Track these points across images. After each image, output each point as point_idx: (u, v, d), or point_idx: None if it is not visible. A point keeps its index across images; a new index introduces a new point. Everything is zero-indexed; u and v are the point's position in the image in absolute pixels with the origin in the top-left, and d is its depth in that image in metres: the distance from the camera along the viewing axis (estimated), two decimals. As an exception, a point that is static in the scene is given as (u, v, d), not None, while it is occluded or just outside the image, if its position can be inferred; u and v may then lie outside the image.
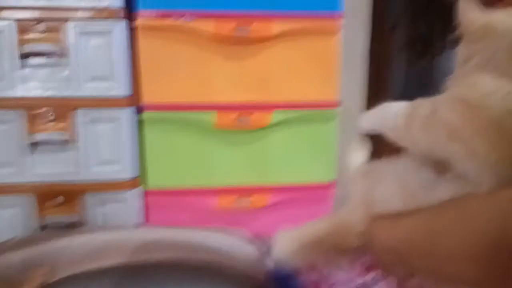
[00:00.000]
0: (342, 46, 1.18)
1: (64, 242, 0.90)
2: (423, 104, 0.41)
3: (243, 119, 1.13)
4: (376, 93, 1.40)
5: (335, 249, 0.50)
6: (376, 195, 0.48)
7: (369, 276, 0.87)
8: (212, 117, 1.13)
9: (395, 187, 0.45)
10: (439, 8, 0.58)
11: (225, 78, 1.13)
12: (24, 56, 1.05)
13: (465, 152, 0.34)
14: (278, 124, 1.16)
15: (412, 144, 0.42)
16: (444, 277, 0.38)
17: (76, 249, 0.88)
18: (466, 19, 0.36)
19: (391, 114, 0.44)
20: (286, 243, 0.54)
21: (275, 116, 1.15)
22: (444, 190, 0.39)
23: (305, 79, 1.18)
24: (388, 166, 0.48)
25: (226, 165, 1.17)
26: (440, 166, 0.39)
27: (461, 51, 0.38)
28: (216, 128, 1.13)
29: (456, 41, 0.40)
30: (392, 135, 0.44)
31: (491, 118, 0.32)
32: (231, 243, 0.99)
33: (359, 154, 0.57)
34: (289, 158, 1.22)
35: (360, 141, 0.59)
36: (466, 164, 0.35)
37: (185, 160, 1.16)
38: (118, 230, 0.97)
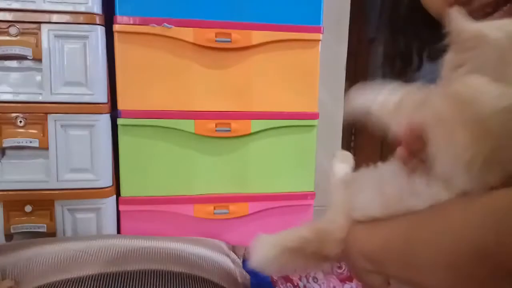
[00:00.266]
0: (321, 58, 1.19)
1: (33, 252, 0.86)
2: (415, 92, 0.42)
3: (222, 127, 1.12)
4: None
5: (314, 255, 0.50)
6: (356, 203, 0.48)
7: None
8: (191, 125, 1.11)
9: (374, 193, 0.45)
10: (418, 23, 0.59)
11: (204, 87, 1.12)
12: (0, 58, 1.02)
13: (445, 140, 0.35)
14: (257, 133, 1.16)
15: (398, 128, 0.42)
16: (421, 286, 0.38)
17: (45, 259, 0.84)
18: (457, 27, 0.37)
19: (382, 96, 0.45)
20: (265, 248, 0.53)
21: (254, 126, 1.15)
22: (423, 196, 0.38)
23: (285, 90, 1.18)
24: (369, 173, 0.48)
25: (205, 173, 1.15)
26: (420, 164, 0.39)
27: (450, 60, 0.39)
28: (197, 135, 1.12)
29: (438, 53, 0.41)
30: (379, 117, 0.44)
31: (479, 114, 0.32)
32: (207, 253, 0.97)
33: (342, 165, 0.57)
34: (269, 167, 1.22)
35: (343, 153, 0.59)
36: (443, 153, 0.35)
37: (163, 169, 1.13)
38: (90, 240, 0.93)
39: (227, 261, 0.98)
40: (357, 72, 1.56)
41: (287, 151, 1.22)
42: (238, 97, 1.15)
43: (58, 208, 1.07)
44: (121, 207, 1.13)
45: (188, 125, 1.12)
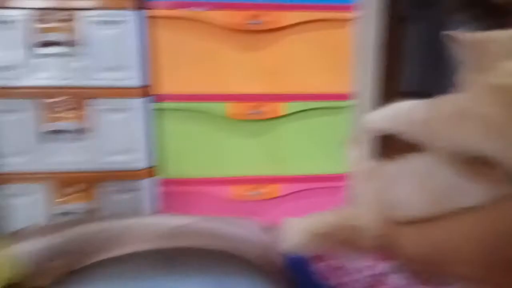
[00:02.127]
0: (356, 37, 1.17)
1: (81, 230, 0.91)
2: (447, 100, 0.40)
3: (256, 109, 1.14)
4: (390, 85, 1.39)
5: (345, 244, 0.49)
6: (391, 197, 0.46)
7: (382, 266, 0.87)
8: (225, 107, 1.13)
9: (415, 189, 0.43)
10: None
11: (236, 69, 1.13)
12: (40, 45, 1.05)
13: (507, 148, 0.33)
14: (291, 115, 1.16)
15: (435, 141, 0.40)
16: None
17: (94, 237, 0.89)
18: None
19: (405, 111, 0.43)
20: (296, 231, 0.53)
21: (287, 107, 1.15)
22: (477, 193, 0.37)
23: (318, 70, 1.17)
24: (402, 166, 0.46)
25: (240, 155, 1.18)
26: (474, 165, 0.37)
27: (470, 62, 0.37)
28: (230, 118, 1.14)
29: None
30: (408, 131, 0.42)
31: None
32: (246, 232, 0.99)
33: (358, 152, 0.56)
34: (302, 149, 1.22)
35: (359, 138, 0.58)
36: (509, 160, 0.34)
37: (199, 150, 1.16)
38: (137, 218, 0.98)
39: (266, 239, 1.00)
40: (391, 51, 1.51)
41: (319, 133, 1.22)
42: (270, 79, 1.15)
43: (98, 189, 1.13)
44: (159, 189, 1.17)
45: (220, 108, 1.13)
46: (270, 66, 1.15)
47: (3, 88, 1.06)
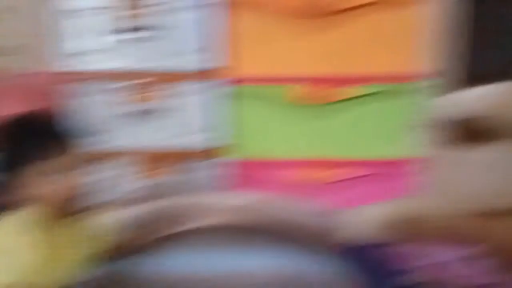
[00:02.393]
0: (430, 18, 1.11)
1: (165, 203, 1.00)
2: None
3: (323, 92, 1.14)
4: (466, 67, 1.31)
5: (417, 232, 0.49)
6: (471, 188, 0.44)
7: (450, 253, 0.85)
8: (295, 89, 1.15)
9: (496, 179, 0.42)
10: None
11: (309, 51, 1.14)
12: (127, 30, 1.15)
13: None
14: (357, 97, 1.15)
15: None
16: None
17: (176, 210, 0.98)
18: None
19: (479, 95, 0.41)
20: (367, 219, 0.54)
21: (359, 90, 1.14)
22: None
23: (386, 52, 1.14)
24: (478, 155, 0.44)
25: (308, 138, 1.20)
26: None
27: None
28: (296, 101, 1.16)
29: None
30: (484, 116, 0.41)
31: None
32: (310, 213, 1.02)
33: (428, 137, 0.54)
34: (368, 132, 1.21)
35: (430, 123, 0.56)
36: None
37: (268, 133, 1.20)
38: (212, 194, 1.06)
39: (333, 221, 1.02)
40: (469, 32, 1.41)
41: (386, 116, 1.19)
42: (343, 60, 1.14)
43: (177, 167, 1.22)
44: (231, 169, 1.23)
45: (287, 91, 1.16)
46: (342, 47, 1.14)
47: (95, 71, 1.18)
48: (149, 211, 1.00)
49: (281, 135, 1.21)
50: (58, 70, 1.16)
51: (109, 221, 0.89)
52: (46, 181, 0.66)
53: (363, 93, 1.15)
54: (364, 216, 0.56)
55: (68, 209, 0.70)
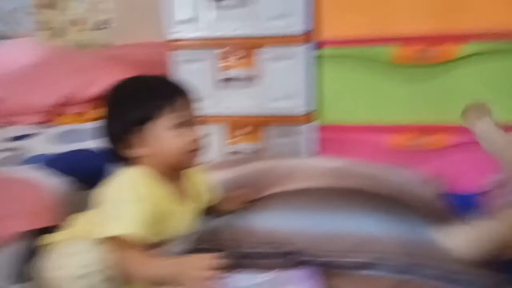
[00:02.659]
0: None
1: (257, 166, 1.02)
2: None
3: (427, 52, 1.06)
4: None
5: None
6: None
7: None
8: (392, 50, 1.08)
9: None
10: None
11: (408, 6, 1.06)
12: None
13: None
14: (466, 57, 1.05)
15: None
16: None
17: (270, 173, 0.99)
18: None
19: None
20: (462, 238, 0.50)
21: (464, 48, 1.04)
22: None
23: (498, 4, 1.02)
24: None
25: (404, 101, 1.13)
26: None
27: None
28: (396, 62, 1.09)
29: None
30: None
31: None
32: (410, 180, 0.98)
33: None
34: (474, 97, 1.11)
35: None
36: None
37: (361, 96, 1.15)
38: (302, 158, 1.05)
39: (432, 189, 0.97)
40: None
41: (496, 79, 1.07)
42: (447, 15, 1.04)
43: (266, 132, 1.23)
44: (319, 134, 1.21)
45: (384, 52, 1.08)
46: (441, 1, 1.04)
47: (186, 39, 1.21)
48: (247, 173, 1.02)
49: (375, 99, 1.15)
50: (162, 39, 1.21)
51: (213, 181, 0.93)
52: (166, 135, 0.70)
53: (470, 52, 1.04)
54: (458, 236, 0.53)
55: (185, 164, 0.73)
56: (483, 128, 0.79)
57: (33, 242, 0.75)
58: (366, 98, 1.16)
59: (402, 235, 0.79)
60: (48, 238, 0.72)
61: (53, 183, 0.87)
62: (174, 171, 0.74)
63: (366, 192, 0.89)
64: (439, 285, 0.74)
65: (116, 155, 0.73)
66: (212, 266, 0.60)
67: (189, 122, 0.72)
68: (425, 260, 0.77)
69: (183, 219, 0.76)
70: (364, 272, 0.80)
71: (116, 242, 0.66)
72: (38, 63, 1.60)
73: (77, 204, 0.86)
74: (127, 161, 0.73)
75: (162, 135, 0.70)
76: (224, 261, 0.62)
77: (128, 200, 0.67)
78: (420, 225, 0.81)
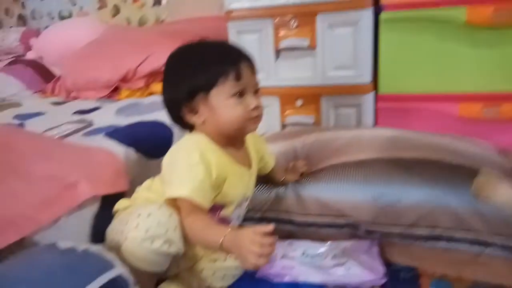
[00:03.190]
0: None
1: (315, 137, 1.00)
2: None
3: (502, 12, 0.96)
4: None
5: None
6: None
7: None
8: (462, 12, 0.99)
9: None
10: None
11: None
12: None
13: None
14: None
15: None
16: None
17: (327, 144, 0.97)
18: None
19: None
20: None
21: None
22: None
23: None
24: None
25: (474, 68, 1.04)
26: None
27: None
28: (466, 25, 1.00)
29: None
30: None
31: None
32: (480, 151, 0.91)
33: None
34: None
35: None
36: None
37: (426, 64, 1.08)
38: (361, 129, 1.01)
39: (504, 161, 0.90)
40: None
41: None
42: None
43: (323, 103, 1.19)
44: (379, 104, 1.16)
45: (458, 13, 1.00)
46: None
47: (243, 9, 1.19)
48: (305, 144, 1.00)
49: (445, 66, 1.07)
50: (219, 12, 1.20)
51: (272, 151, 0.93)
52: (229, 102, 0.69)
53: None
54: None
55: (246, 130, 0.73)
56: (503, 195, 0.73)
57: (104, 207, 0.80)
58: (431, 65, 1.08)
59: (468, 207, 0.75)
60: (120, 203, 0.75)
61: (121, 152, 0.91)
62: (236, 137, 0.74)
63: (431, 162, 0.84)
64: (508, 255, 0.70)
65: (179, 121, 0.74)
66: (267, 243, 0.57)
67: (252, 89, 0.72)
68: (496, 232, 0.73)
69: (245, 182, 0.76)
70: (430, 243, 0.77)
71: (178, 204, 0.67)
72: (100, 40, 1.66)
73: (143, 173, 0.89)
74: (190, 127, 0.74)
75: (226, 101, 0.69)
76: (276, 238, 0.59)
77: (191, 163, 0.68)
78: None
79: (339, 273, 0.75)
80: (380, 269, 0.74)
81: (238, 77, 0.69)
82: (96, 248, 0.63)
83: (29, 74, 1.79)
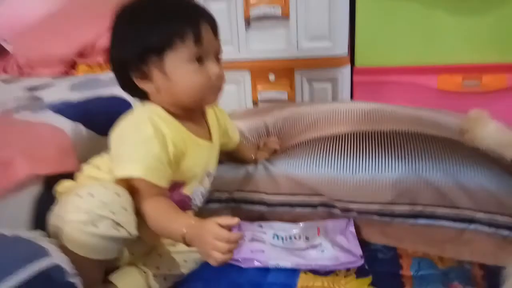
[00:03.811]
0: None
1: (288, 112, 0.92)
2: None
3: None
4: None
5: None
6: None
7: None
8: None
9: None
10: None
11: None
12: None
13: None
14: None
15: None
16: None
17: (300, 119, 0.89)
18: None
19: None
20: None
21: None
22: None
23: None
24: None
25: (453, 38, 0.99)
26: None
27: None
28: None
29: None
30: None
31: None
32: (456, 122, 0.86)
33: None
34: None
35: None
36: None
37: (402, 35, 1.03)
38: (336, 103, 0.94)
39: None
40: None
41: None
42: None
43: (297, 77, 1.12)
44: (355, 78, 1.10)
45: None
46: None
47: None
48: (276, 120, 0.93)
49: (422, 37, 1.02)
50: None
51: (238, 128, 0.85)
52: (187, 67, 0.60)
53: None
54: None
55: (206, 101, 0.65)
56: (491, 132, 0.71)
57: (49, 190, 0.70)
58: (410, 35, 1.02)
59: (452, 181, 0.69)
60: (61, 184, 0.66)
61: (69, 128, 0.81)
62: (194, 108, 0.65)
63: (410, 134, 0.78)
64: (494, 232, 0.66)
65: (130, 87, 0.64)
66: (233, 239, 0.51)
67: (214, 55, 0.62)
68: (481, 208, 0.68)
69: (205, 157, 0.68)
70: (411, 221, 0.72)
71: (132, 184, 0.58)
72: (56, 11, 1.52)
73: (96, 152, 0.80)
74: (143, 95, 0.64)
75: (183, 67, 0.60)
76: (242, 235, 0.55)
77: (144, 137, 0.59)
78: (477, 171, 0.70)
79: (313, 256, 0.68)
80: (357, 250, 0.68)
81: (197, 40, 0.59)
82: (29, 234, 0.54)
83: (-23, 51, 1.63)
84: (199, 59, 0.60)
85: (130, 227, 0.57)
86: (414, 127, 0.81)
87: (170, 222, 0.57)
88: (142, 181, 0.58)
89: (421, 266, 0.66)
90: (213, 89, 0.63)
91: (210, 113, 0.72)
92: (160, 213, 0.58)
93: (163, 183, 0.60)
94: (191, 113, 0.66)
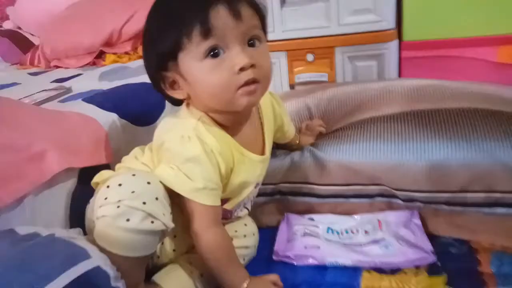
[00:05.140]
0: None
1: (332, 92, 0.84)
2: None
3: None
4: None
5: None
6: None
7: None
8: None
9: None
10: None
11: None
12: None
13: None
14: None
15: None
16: None
17: (346, 100, 0.81)
18: None
19: None
20: None
21: None
22: None
23: None
24: None
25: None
26: None
27: None
28: None
29: None
30: None
31: None
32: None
33: None
34: None
35: None
36: None
37: (456, 5, 0.92)
38: (385, 81, 0.85)
39: None
40: None
41: None
42: None
43: (338, 56, 1.03)
44: (403, 53, 1.00)
45: None
46: None
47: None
48: (322, 101, 0.85)
49: (479, 8, 0.91)
50: None
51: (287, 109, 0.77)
52: (198, 68, 0.51)
53: None
54: None
55: (237, 106, 0.53)
56: None
57: (84, 183, 0.65)
58: (464, 4, 0.92)
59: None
60: (96, 176, 0.61)
61: (102, 118, 0.76)
62: (233, 114, 0.55)
63: (479, 112, 0.68)
64: None
65: (167, 98, 0.57)
66: None
67: (239, 40, 0.50)
68: None
69: (255, 173, 0.61)
70: (486, 210, 0.63)
71: (186, 202, 0.54)
72: (79, 1, 1.48)
73: (131, 142, 0.75)
74: (177, 102, 0.58)
75: (196, 66, 0.51)
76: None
77: (195, 156, 0.52)
78: None
79: (376, 252, 0.60)
80: (427, 245, 0.60)
81: (206, 30, 0.49)
82: (65, 233, 0.48)
83: (6, 45, 1.61)
84: (215, 53, 0.50)
85: (164, 218, 0.51)
86: (481, 104, 0.72)
87: (229, 270, 0.56)
88: (207, 207, 0.53)
89: (503, 262, 0.58)
90: (242, 87, 0.51)
91: (266, 104, 0.64)
92: (223, 255, 0.56)
93: (218, 202, 0.55)
94: (239, 118, 0.57)
